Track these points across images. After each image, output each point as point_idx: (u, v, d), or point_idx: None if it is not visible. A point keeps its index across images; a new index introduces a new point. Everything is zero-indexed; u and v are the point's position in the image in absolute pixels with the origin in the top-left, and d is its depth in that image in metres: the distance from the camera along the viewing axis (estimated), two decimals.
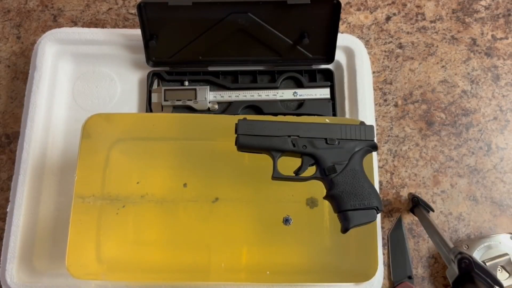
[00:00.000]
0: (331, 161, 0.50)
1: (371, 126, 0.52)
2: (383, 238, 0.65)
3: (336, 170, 0.50)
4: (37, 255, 0.61)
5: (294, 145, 0.50)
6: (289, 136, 0.51)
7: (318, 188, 0.58)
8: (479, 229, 0.67)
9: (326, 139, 0.51)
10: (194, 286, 0.59)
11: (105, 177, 0.58)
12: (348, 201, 0.49)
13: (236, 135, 0.52)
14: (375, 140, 0.53)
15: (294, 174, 0.52)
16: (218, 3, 0.62)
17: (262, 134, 0.51)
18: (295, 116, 0.66)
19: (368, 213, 0.48)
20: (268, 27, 0.65)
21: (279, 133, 0.51)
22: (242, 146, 0.51)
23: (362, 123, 0.52)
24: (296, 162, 0.53)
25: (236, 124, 0.51)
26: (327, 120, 0.62)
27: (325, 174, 0.50)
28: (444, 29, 0.76)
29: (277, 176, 0.51)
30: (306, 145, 0.50)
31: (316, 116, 0.66)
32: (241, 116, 0.54)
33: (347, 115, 0.67)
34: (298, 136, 0.51)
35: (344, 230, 0.49)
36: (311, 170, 0.52)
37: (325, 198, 0.51)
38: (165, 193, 0.58)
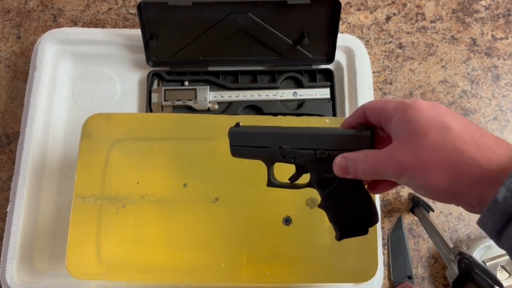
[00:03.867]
0: (321, 175, 0.47)
1: (367, 136, 0.45)
2: (383, 238, 0.65)
3: (327, 184, 0.47)
4: (37, 255, 0.61)
5: (284, 157, 0.48)
6: (280, 147, 0.47)
7: None
8: (479, 229, 0.66)
9: (315, 150, 0.46)
10: (194, 286, 0.59)
11: (105, 177, 0.58)
12: (339, 216, 0.47)
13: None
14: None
15: (289, 182, 0.50)
16: (218, 3, 0.62)
17: (252, 145, 0.48)
18: (294, 117, 0.66)
19: (360, 227, 0.47)
20: (268, 27, 0.65)
21: (269, 144, 0.48)
22: (235, 155, 0.49)
23: (359, 129, 0.46)
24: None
25: (228, 134, 0.49)
26: (327, 120, 0.62)
27: (314, 187, 0.48)
28: (444, 29, 0.76)
29: (271, 184, 0.50)
30: (296, 157, 0.47)
31: (316, 117, 0.66)
32: (240, 117, 0.53)
33: (347, 115, 0.67)
34: (288, 147, 0.47)
35: (338, 239, 0.48)
36: (306, 177, 0.49)
37: (319, 207, 0.49)
38: (165, 193, 0.58)
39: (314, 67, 0.69)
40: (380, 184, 0.45)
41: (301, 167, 0.48)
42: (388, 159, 0.38)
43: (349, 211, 0.46)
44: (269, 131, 0.48)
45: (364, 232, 0.46)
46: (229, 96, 0.67)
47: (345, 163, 0.42)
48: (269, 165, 0.49)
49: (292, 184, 0.49)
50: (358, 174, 0.41)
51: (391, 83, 0.73)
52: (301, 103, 0.68)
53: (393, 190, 0.68)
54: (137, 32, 0.65)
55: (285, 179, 0.50)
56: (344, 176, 0.43)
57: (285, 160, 0.47)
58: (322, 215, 0.58)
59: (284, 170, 0.49)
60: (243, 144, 0.48)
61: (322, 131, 0.47)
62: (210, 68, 0.69)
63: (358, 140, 0.44)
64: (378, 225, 0.62)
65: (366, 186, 0.46)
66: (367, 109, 0.43)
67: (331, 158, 0.44)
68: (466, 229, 0.67)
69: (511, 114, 0.72)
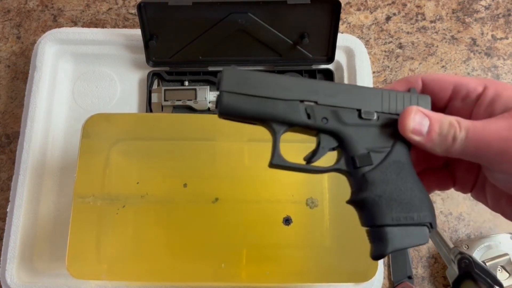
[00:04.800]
0: (365, 146, 0.33)
1: (428, 99, 0.34)
2: None
3: (372, 161, 0.33)
4: (37, 255, 0.61)
5: (309, 116, 0.33)
6: (302, 101, 0.33)
7: (319, 188, 0.58)
8: (479, 229, 0.67)
9: (359, 110, 0.33)
10: (194, 286, 0.59)
11: (105, 177, 0.58)
12: (389, 211, 0.32)
13: (218, 92, 0.34)
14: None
15: (304, 162, 0.35)
16: (218, 3, 0.62)
17: (260, 94, 0.33)
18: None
19: (417, 231, 0.32)
20: (268, 27, 0.65)
21: (288, 96, 0.33)
22: (227, 112, 0.34)
23: (413, 90, 0.35)
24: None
25: (219, 74, 0.35)
26: None
27: (354, 166, 0.33)
28: (444, 29, 0.75)
29: (278, 163, 0.34)
30: (328, 117, 0.33)
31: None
32: None
33: None
34: (316, 102, 0.33)
35: (377, 256, 0.32)
36: (330, 157, 0.35)
37: (349, 202, 0.35)
38: (165, 193, 0.58)
39: (314, 67, 0.69)
40: (432, 177, 0.37)
41: (329, 137, 0.34)
42: (502, 130, 0.30)
43: (403, 202, 0.32)
44: (288, 78, 0.33)
45: (423, 238, 0.33)
46: None
47: (420, 120, 0.32)
48: (279, 131, 0.34)
49: (308, 166, 0.34)
50: (435, 140, 0.32)
51: (391, 83, 0.73)
52: None
53: None
54: (137, 32, 0.65)
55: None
56: (411, 136, 0.32)
57: (309, 121, 0.33)
58: (322, 215, 0.58)
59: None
60: (244, 92, 0.33)
61: (367, 88, 0.34)
62: (210, 68, 0.69)
63: (418, 103, 0.34)
64: None
65: None
66: (429, 80, 0.35)
67: (382, 124, 0.33)
68: (466, 229, 0.67)
69: None
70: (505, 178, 0.32)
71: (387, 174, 0.33)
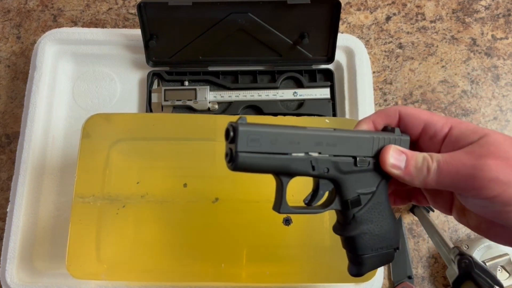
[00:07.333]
0: (357, 190, 0.38)
1: (407, 140, 0.39)
2: None
3: (361, 203, 0.38)
4: (37, 255, 0.61)
5: (313, 168, 0.36)
6: (306, 153, 0.35)
7: None
8: None
9: (355, 158, 0.37)
10: (194, 286, 0.59)
11: (105, 177, 0.58)
12: (370, 245, 0.38)
13: (232, 151, 0.34)
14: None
15: (305, 204, 0.40)
16: (218, 3, 0.62)
17: (273, 151, 0.34)
18: (294, 117, 0.66)
19: (387, 254, 0.39)
20: (268, 27, 0.65)
21: (296, 149, 0.35)
22: (241, 169, 0.34)
23: (396, 131, 0.39)
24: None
25: (231, 130, 0.33)
26: (327, 120, 0.61)
27: (346, 208, 0.38)
28: (444, 29, 0.75)
29: (285, 211, 0.38)
30: (329, 167, 0.36)
31: (316, 117, 0.66)
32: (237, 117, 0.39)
33: (347, 116, 0.67)
34: (319, 153, 0.36)
35: (355, 275, 0.40)
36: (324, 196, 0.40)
37: (336, 233, 0.40)
38: (165, 193, 0.58)
39: (314, 67, 0.69)
40: (405, 192, 0.44)
41: (329, 182, 0.38)
42: (467, 159, 0.34)
43: (380, 236, 0.39)
44: (294, 131, 0.35)
45: (392, 258, 0.40)
46: (229, 96, 0.67)
47: (397, 157, 0.37)
48: (286, 181, 0.37)
49: (311, 207, 0.39)
50: (412, 173, 0.37)
51: (391, 83, 0.73)
52: (301, 103, 0.68)
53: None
54: (137, 32, 0.65)
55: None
56: (391, 170, 0.37)
57: (314, 172, 0.36)
58: (322, 215, 0.58)
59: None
60: (258, 150, 0.34)
61: (358, 134, 0.38)
62: (210, 68, 0.69)
63: (400, 144, 0.39)
64: None
65: None
66: (405, 115, 0.39)
67: (371, 168, 0.38)
68: (466, 229, 0.67)
69: (511, 114, 0.72)
70: (478, 203, 0.36)
71: (372, 213, 0.38)
